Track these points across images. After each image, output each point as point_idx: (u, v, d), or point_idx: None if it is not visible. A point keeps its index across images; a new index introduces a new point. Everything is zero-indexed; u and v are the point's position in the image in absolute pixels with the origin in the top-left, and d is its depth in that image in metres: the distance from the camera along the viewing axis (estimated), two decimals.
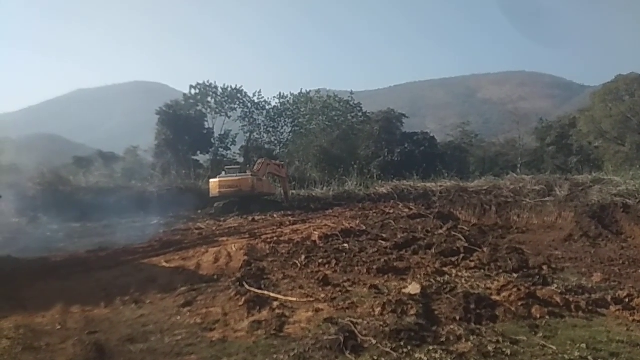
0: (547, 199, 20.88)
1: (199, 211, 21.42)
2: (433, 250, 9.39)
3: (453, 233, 11.26)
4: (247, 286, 6.94)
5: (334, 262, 8.72)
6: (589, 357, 4.14)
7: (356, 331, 4.88)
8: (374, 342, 4.60)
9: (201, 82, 42.01)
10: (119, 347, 4.93)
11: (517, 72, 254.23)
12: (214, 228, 15.49)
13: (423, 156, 37.46)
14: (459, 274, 7.73)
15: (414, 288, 6.34)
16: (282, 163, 28.92)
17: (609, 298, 6.08)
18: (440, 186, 26.74)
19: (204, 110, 41.90)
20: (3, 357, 4.65)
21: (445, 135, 48.45)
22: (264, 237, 12.53)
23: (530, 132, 42.53)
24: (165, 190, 25.94)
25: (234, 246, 10.79)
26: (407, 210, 18.92)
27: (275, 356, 4.42)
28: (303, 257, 9.18)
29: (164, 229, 15.70)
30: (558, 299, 5.77)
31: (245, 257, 9.27)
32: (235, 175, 22.51)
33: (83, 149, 61.57)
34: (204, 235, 13.41)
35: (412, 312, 5.40)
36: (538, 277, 7.03)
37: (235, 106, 42.74)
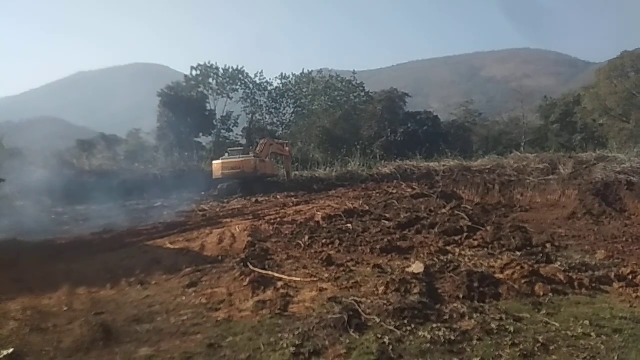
0: (550, 177, 20.81)
1: (203, 193, 21.44)
2: (436, 230, 9.42)
3: (456, 212, 11.27)
4: (251, 267, 6.99)
5: (337, 242, 8.77)
6: (592, 334, 4.16)
7: (360, 310, 4.92)
8: (377, 320, 4.63)
9: (202, 63, 41.72)
10: (125, 327, 4.98)
11: (521, 50, 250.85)
12: (217, 210, 15.53)
13: (426, 136, 37.23)
14: (462, 252, 7.75)
15: (417, 267, 6.37)
16: (286, 142, 28.81)
17: (612, 275, 6.10)
18: (444, 166, 26.66)
19: (205, 92, 41.61)
20: (11, 339, 4.71)
21: (448, 114, 47.95)
22: (267, 218, 12.56)
23: (534, 110, 42.08)
24: (168, 172, 25.98)
25: (238, 227, 10.83)
26: (410, 190, 18.89)
27: (280, 335, 4.46)
28: (306, 237, 9.22)
29: (167, 211, 15.77)
30: (561, 277, 5.79)
31: (249, 238, 9.31)
32: (238, 156, 22.47)
33: (86, 132, 61.43)
34: (208, 217, 13.47)
35: (416, 290, 5.42)
36: (541, 255, 7.05)
37: (237, 87, 42.42)
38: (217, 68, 41.77)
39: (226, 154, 23.27)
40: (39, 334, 4.85)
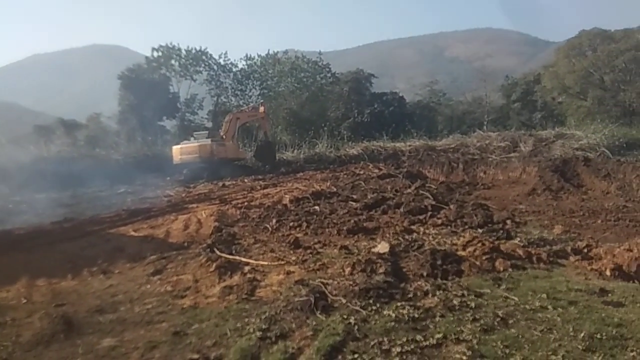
0: (512, 154, 21.44)
1: (168, 178, 21.03)
2: (402, 210, 9.53)
3: (421, 192, 11.44)
4: (217, 252, 6.93)
5: (304, 224, 8.77)
6: (549, 306, 4.32)
7: (326, 291, 4.95)
8: (343, 301, 4.68)
9: (163, 44, 40.47)
10: (88, 318, 4.88)
11: (484, 29, 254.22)
12: (183, 195, 15.31)
13: (392, 116, 37.50)
14: (427, 231, 7.89)
15: (383, 247, 6.45)
16: (258, 103, 27.70)
17: (568, 249, 6.34)
18: (409, 146, 27.09)
19: (167, 74, 40.47)
20: None
21: (414, 94, 48.33)
22: (234, 202, 12.46)
23: (496, 89, 42.91)
24: (131, 157, 25.38)
25: (204, 212, 10.70)
26: (377, 170, 19.07)
27: (246, 320, 4.45)
28: (274, 221, 9.19)
29: (131, 198, 15.41)
30: (520, 252, 5.98)
31: (216, 223, 9.22)
32: (195, 141, 22.05)
33: (43, 117, 59.03)
34: (173, 203, 13.26)
35: (381, 270, 5.49)
36: (502, 231, 7.26)
37: (201, 69, 41.40)
38: (180, 49, 40.61)
39: (192, 138, 22.84)
40: None
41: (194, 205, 12.40)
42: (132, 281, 6.15)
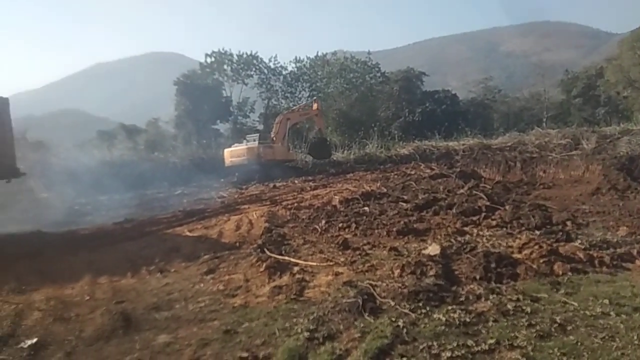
0: (573, 152, 20.39)
1: (222, 180, 21.63)
2: (454, 210, 9.27)
3: (474, 192, 11.09)
4: (268, 252, 7.03)
5: (354, 225, 8.72)
6: (612, 313, 4.07)
7: (375, 293, 4.91)
8: (392, 303, 4.62)
9: (216, 50, 41.74)
10: (145, 315, 5.08)
11: (541, 23, 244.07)
12: (235, 196, 15.66)
13: (445, 115, 36.74)
14: (480, 233, 7.63)
15: (433, 249, 6.31)
16: (311, 100, 27.50)
17: (634, 252, 5.93)
18: (463, 145, 26.34)
19: (220, 79, 41.75)
20: (35, 328, 4.85)
21: (467, 92, 47.16)
22: (284, 203, 12.61)
23: (555, 84, 41.08)
24: (187, 160, 26.27)
25: (255, 213, 10.90)
26: (429, 170, 18.70)
27: (295, 320, 4.48)
28: (323, 221, 9.21)
29: (187, 199, 15.96)
30: (581, 255, 5.66)
31: (266, 224, 9.36)
32: (244, 144, 22.52)
33: (106, 122, 62.41)
34: (226, 204, 13.58)
35: (432, 273, 5.37)
36: (561, 233, 6.90)
37: (252, 73, 42.41)
38: (231, 54, 41.83)
39: (244, 140, 23.32)
40: (62, 323, 4.98)
41: (246, 206, 12.67)
42: (187, 280, 6.35)
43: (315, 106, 25.51)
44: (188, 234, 9.52)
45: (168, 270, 6.92)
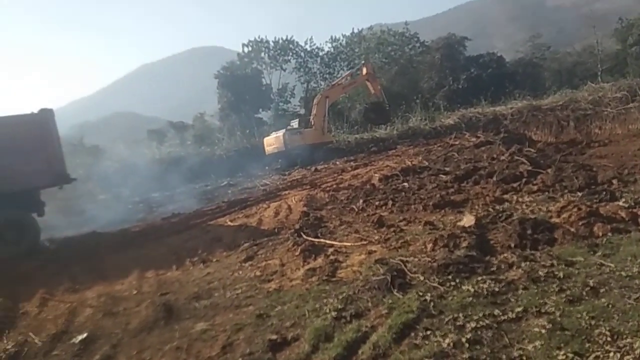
0: (630, 105, 19.09)
1: (267, 167, 22.00)
2: (494, 178, 9.00)
3: (516, 157, 10.67)
4: (304, 236, 7.13)
5: (390, 202, 8.66)
6: None
7: (405, 269, 4.88)
8: (421, 278, 4.58)
9: (252, 39, 42.06)
10: (186, 304, 5.32)
11: None
12: (278, 183, 15.90)
13: (491, 79, 35.22)
14: (520, 199, 7.36)
15: (468, 220, 6.16)
16: (360, 65, 26.02)
17: None
18: (511, 108, 25.21)
19: (259, 67, 42.11)
20: (86, 324, 5.21)
21: (514, 52, 44.84)
22: (323, 186, 12.68)
23: (609, 34, 38.24)
24: (232, 151, 26.85)
25: (294, 198, 11.04)
26: (473, 139, 18.15)
27: (325, 300, 4.55)
28: (361, 201, 9.19)
29: (232, 189, 16.38)
30: (623, 214, 5.34)
31: (304, 208, 9.47)
32: (274, 133, 22.98)
33: (155, 121, 64.63)
34: (268, 191, 13.83)
35: (464, 244, 5.27)
36: (605, 192, 6.53)
37: (289, 58, 42.45)
38: (268, 41, 42.03)
39: (288, 127, 23.37)
40: (111, 317, 5.32)
41: (287, 192, 12.84)
42: (227, 268, 6.57)
43: (364, 70, 23.83)
44: (230, 223, 9.80)
45: (210, 260, 7.18)
